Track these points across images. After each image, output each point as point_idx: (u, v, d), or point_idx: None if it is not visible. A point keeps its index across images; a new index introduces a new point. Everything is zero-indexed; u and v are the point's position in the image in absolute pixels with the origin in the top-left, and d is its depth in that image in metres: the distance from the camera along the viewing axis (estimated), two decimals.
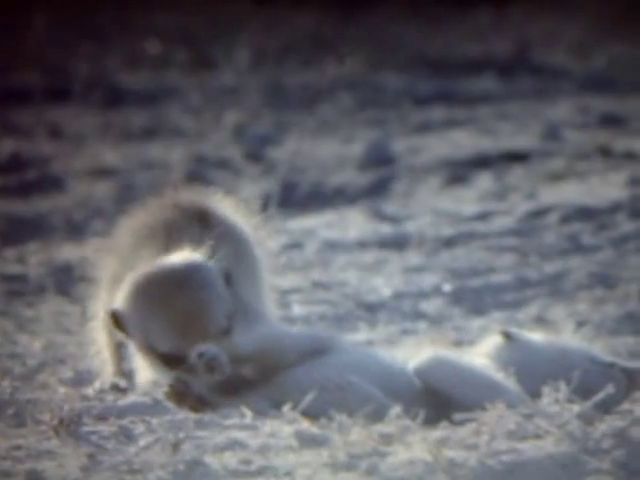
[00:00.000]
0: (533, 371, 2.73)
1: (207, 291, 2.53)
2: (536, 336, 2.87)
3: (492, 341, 2.86)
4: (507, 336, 2.83)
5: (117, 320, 2.60)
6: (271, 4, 11.75)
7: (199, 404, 2.60)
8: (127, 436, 2.48)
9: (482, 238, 5.17)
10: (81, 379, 3.09)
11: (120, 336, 2.64)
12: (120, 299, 2.60)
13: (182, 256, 2.57)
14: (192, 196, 2.78)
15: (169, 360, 2.57)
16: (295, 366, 2.66)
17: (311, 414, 2.53)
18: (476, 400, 2.56)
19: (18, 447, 2.42)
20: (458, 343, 3.59)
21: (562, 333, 3.01)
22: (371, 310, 4.21)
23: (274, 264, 2.85)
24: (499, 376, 2.70)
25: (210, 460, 2.31)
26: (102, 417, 2.60)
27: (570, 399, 2.56)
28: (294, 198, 6.22)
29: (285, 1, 11.44)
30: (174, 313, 2.52)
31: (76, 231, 5.60)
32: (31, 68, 9.16)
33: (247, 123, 7.94)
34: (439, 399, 2.62)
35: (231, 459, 2.33)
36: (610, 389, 2.59)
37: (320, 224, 5.53)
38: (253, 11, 11.54)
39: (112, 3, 11.61)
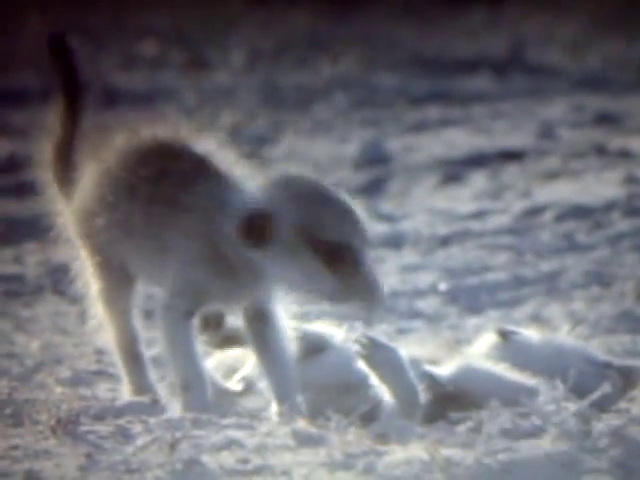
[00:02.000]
0: (529, 369, 2.74)
1: None
2: (533, 334, 2.88)
3: (488, 339, 2.86)
4: (503, 334, 2.84)
5: (262, 222, 2.45)
6: (265, 5, 11.75)
7: (227, 339, 2.64)
8: (125, 436, 2.48)
9: (477, 237, 5.18)
10: (78, 379, 3.09)
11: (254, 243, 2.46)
12: (255, 202, 2.48)
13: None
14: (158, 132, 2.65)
15: (331, 252, 2.47)
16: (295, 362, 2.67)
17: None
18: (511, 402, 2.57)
19: (16, 447, 2.42)
20: (454, 342, 3.60)
21: (558, 331, 3.02)
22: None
23: None
24: (527, 378, 2.70)
25: (207, 459, 2.31)
26: (100, 417, 2.61)
27: (567, 398, 2.56)
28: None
29: (279, 1, 11.45)
30: (343, 205, 2.50)
31: None
32: (27, 69, 9.16)
33: (242, 123, 7.94)
34: (472, 404, 2.63)
35: (228, 458, 2.33)
36: (607, 388, 2.60)
37: None
38: (248, 12, 11.54)
39: (107, 4, 11.61)
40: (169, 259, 2.56)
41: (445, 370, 2.69)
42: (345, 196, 2.55)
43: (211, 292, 2.57)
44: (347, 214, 2.50)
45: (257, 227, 2.48)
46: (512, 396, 2.60)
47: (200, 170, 2.60)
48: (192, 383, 2.57)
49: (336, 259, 2.47)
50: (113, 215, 2.59)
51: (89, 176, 2.69)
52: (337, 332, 2.78)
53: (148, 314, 2.71)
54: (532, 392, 2.63)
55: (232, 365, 2.85)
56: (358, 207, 2.55)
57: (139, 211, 2.58)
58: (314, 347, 2.73)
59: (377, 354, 2.58)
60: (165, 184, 2.58)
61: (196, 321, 2.61)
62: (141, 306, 2.71)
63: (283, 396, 2.60)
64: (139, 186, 2.58)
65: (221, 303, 2.63)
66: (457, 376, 2.68)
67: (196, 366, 2.58)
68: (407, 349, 2.75)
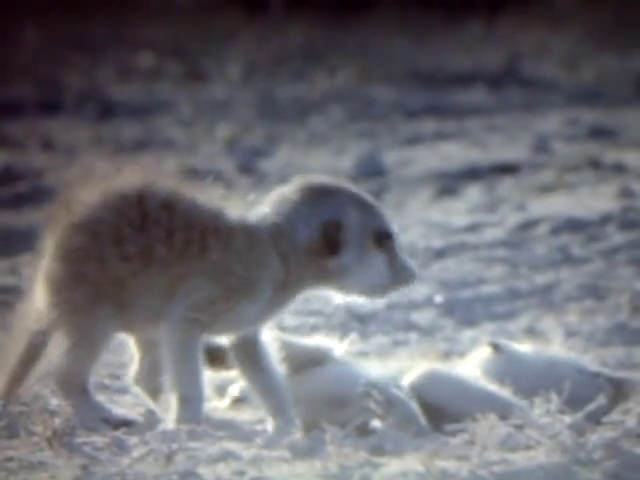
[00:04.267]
0: (521, 382, 2.75)
1: None
2: (524, 347, 2.89)
3: (481, 353, 2.88)
4: (495, 347, 2.86)
5: (334, 231, 2.59)
6: (262, 17, 11.79)
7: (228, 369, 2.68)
8: (120, 447, 2.49)
9: (472, 250, 5.19)
10: None
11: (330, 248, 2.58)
12: (320, 212, 2.60)
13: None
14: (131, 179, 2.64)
15: (386, 242, 2.63)
16: (293, 376, 2.68)
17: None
18: (474, 413, 2.58)
19: (11, 458, 2.42)
20: (449, 354, 3.61)
21: (552, 344, 3.03)
22: (363, 321, 4.22)
23: None
24: (494, 387, 2.72)
25: (203, 471, 2.32)
26: (95, 428, 2.61)
27: (561, 410, 2.57)
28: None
29: (276, 14, 11.49)
30: (372, 198, 2.70)
31: None
32: (23, 81, 9.17)
33: (239, 135, 7.96)
34: (434, 413, 2.64)
35: (224, 470, 2.34)
36: (602, 400, 2.61)
37: None
38: (244, 25, 11.57)
39: (104, 16, 11.63)
40: (189, 281, 2.60)
41: (407, 378, 2.70)
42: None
43: (234, 314, 2.60)
44: (379, 205, 2.67)
45: (331, 237, 2.60)
46: (478, 407, 2.60)
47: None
48: (193, 396, 2.58)
49: (390, 247, 2.63)
50: (131, 248, 2.61)
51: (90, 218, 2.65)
52: (335, 345, 2.79)
53: None
54: (505, 405, 2.63)
55: (226, 377, 2.86)
56: None
57: (162, 240, 2.60)
58: (313, 361, 2.73)
59: (392, 412, 2.58)
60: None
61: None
62: None
63: (277, 411, 2.62)
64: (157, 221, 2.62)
65: (232, 327, 2.64)
66: (418, 383, 2.68)
67: (200, 381, 2.59)
68: (400, 362, 2.77)
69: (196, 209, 2.63)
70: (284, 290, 2.61)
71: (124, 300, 2.61)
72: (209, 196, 2.68)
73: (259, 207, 2.66)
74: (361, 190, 2.68)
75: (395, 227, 2.67)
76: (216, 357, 2.74)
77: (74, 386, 2.63)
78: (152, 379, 2.68)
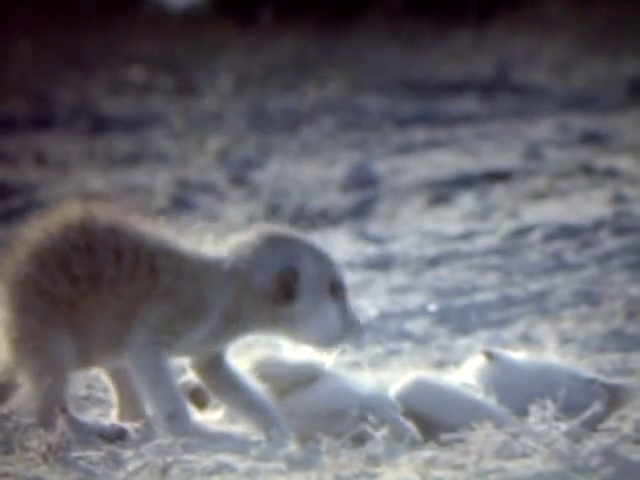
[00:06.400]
0: (516, 389, 2.76)
1: None
2: (518, 355, 2.90)
3: (475, 361, 2.88)
4: (489, 356, 2.86)
5: (291, 279, 2.63)
6: (252, 30, 11.81)
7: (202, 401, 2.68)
8: (116, 461, 2.48)
9: (466, 257, 5.19)
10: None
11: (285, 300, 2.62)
12: (278, 260, 2.64)
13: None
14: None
15: (338, 288, 2.67)
16: (287, 394, 2.68)
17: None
18: (460, 422, 2.58)
19: (6, 474, 2.42)
20: (443, 363, 3.60)
21: (547, 351, 3.03)
22: None
23: None
24: (481, 396, 2.72)
25: None
26: (90, 442, 2.60)
27: (557, 417, 2.57)
28: (278, 221, 6.19)
29: (266, 26, 11.51)
30: (324, 249, 2.73)
31: None
32: (16, 96, 9.17)
33: (230, 147, 7.97)
34: (422, 422, 2.64)
35: None
36: (597, 407, 2.61)
37: None
38: (235, 37, 11.59)
39: (95, 31, 11.64)
40: (149, 303, 2.64)
41: (393, 388, 2.70)
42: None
43: (193, 337, 2.63)
44: (331, 256, 2.72)
45: (287, 284, 2.65)
46: (462, 415, 2.60)
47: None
48: (178, 412, 2.59)
49: (342, 299, 2.68)
50: (78, 270, 2.65)
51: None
52: (327, 359, 2.79)
53: None
54: (489, 413, 2.63)
55: None
56: None
57: (110, 262, 2.64)
58: (306, 378, 2.73)
59: (387, 429, 2.59)
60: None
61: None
62: None
63: (267, 425, 2.63)
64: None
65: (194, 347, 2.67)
66: (404, 392, 2.68)
67: (180, 396, 2.61)
68: (392, 373, 2.77)
69: (143, 234, 2.67)
70: (231, 323, 2.64)
71: (78, 323, 2.64)
72: (156, 225, 2.71)
73: (217, 248, 2.70)
74: (316, 241, 2.72)
75: (345, 279, 2.71)
76: (197, 398, 2.75)
77: (54, 413, 2.62)
78: (135, 410, 2.70)
